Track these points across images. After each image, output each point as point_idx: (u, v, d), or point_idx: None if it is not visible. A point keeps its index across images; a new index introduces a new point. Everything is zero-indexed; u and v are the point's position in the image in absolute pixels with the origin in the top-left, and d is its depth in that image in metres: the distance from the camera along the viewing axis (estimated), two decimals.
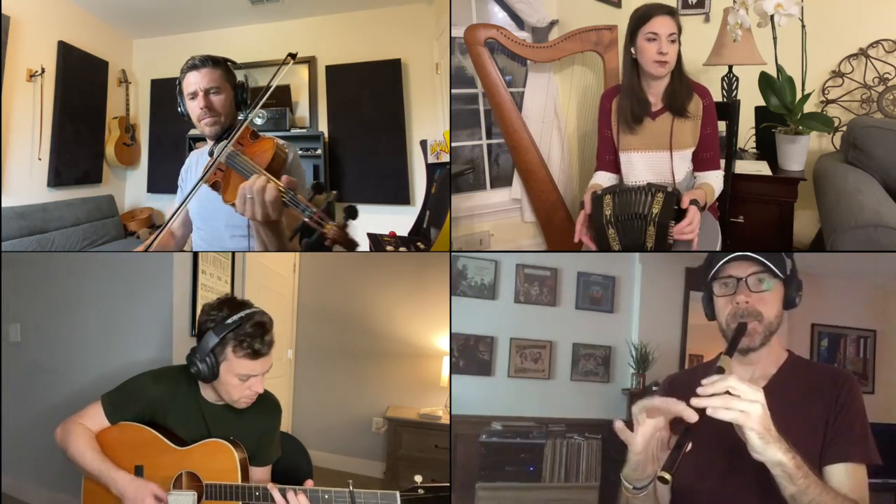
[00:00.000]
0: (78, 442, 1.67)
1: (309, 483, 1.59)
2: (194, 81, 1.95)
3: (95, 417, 1.71)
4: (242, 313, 1.62)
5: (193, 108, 1.97)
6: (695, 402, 1.08)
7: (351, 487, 1.53)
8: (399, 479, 3.46)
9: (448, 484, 1.58)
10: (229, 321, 1.60)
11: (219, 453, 1.66)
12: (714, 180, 2.36)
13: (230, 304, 1.65)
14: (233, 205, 1.70)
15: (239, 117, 2.04)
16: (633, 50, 2.24)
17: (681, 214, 2.10)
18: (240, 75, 2.06)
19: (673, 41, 2.19)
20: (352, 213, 1.62)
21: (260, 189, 1.61)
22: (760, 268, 1.31)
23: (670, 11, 2.21)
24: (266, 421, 1.80)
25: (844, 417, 1.27)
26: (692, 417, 1.07)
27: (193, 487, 1.65)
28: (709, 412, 1.07)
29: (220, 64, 1.99)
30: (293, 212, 1.62)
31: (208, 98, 1.95)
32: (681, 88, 2.28)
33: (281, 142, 1.92)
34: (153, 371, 1.77)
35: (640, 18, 2.21)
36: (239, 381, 1.64)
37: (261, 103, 1.90)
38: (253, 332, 1.60)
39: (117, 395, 1.73)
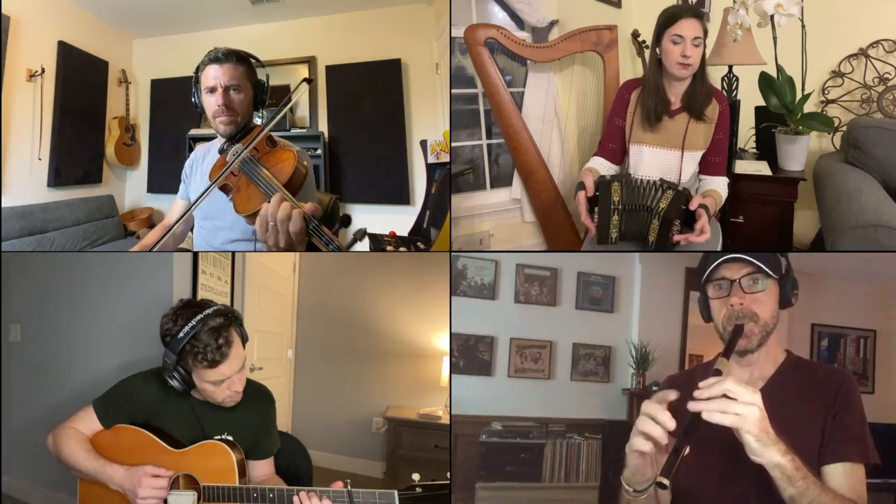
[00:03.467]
0: (69, 444, 1.67)
1: (338, 485, 1.57)
2: (214, 76, 1.86)
3: (88, 422, 1.71)
4: (194, 321, 1.58)
5: (210, 103, 1.88)
6: (691, 405, 1.08)
7: (349, 487, 1.53)
8: (399, 479, 3.45)
9: (446, 482, 1.58)
10: (181, 335, 1.57)
11: (215, 454, 1.66)
12: (721, 188, 2.37)
13: (184, 312, 1.61)
14: (245, 217, 1.66)
15: (255, 119, 1.99)
16: (658, 49, 2.26)
17: (688, 215, 2.10)
18: (260, 73, 1.97)
19: (697, 45, 2.20)
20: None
21: (285, 219, 1.51)
22: (753, 269, 1.31)
23: (698, 14, 2.22)
24: (260, 413, 1.80)
25: (843, 417, 1.27)
26: (669, 425, 1.08)
27: (191, 490, 1.65)
28: (704, 416, 1.07)
29: (243, 61, 1.90)
30: (315, 241, 1.53)
31: (228, 95, 1.86)
32: (701, 92, 2.29)
33: (298, 150, 1.83)
34: (143, 372, 1.77)
35: (668, 20, 2.23)
36: (214, 386, 1.63)
37: (276, 120, 1.80)
38: (207, 341, 1.57)
39: (109, 398, 1.73)
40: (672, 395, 1.11)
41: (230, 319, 1.64)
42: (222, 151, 1.90)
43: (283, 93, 4.71)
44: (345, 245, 1.53)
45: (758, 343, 1.31)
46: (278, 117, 1.81)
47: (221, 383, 1.63)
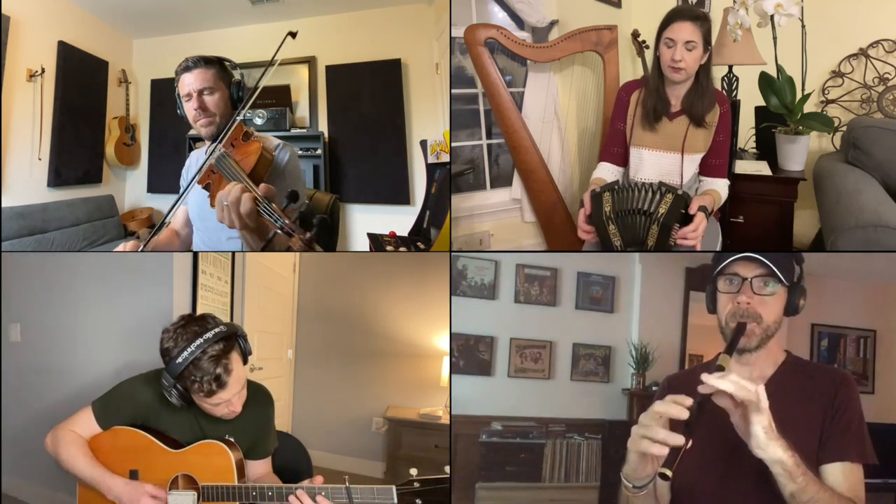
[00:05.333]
0: (69, 449, 1.67)
1: (319, 480, 1.58)
2: (188, 83, 1.96)
3: (86, 423, 1.71)
4: (193, 346, 1.55)
5: (188, 109, 1.98)
6: (704, 377, 1.10)
7: (347, 483, 1.54)
8: (399, 478, 3.42)
9: (443, 476, 1.58)
10: (179, 360, 1.55)
11: (214, 454, 1.66)
12: (722, 188, 2.35)
13: (184, 332, 1.58)
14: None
15: (237, 117, 2.03)
16: (657, 51, 2.25)
17: (687, 218, 2.10)
18: (237, 73, 2.05)
19: (691, 49, 2.16)
20: (322, 225, 1.62)
21: (234, 199, 1.61)
22: (766, 271, 1.31)
23: (695, 17, 2.17)
24: (259, 414, 1.80)
25: (841, 417, 1.27)
26: (683, 414, 1.07)
27: (190, 490, 1.65)
28: (722, 387, 1.08)
29: (212, 63, 1.99)
30: (265, 221, 1.63)
31: (201, 99, 1.95)
32: (703, 98, 2.25)
33: (276, 143, 1.92)
34: (143, 374, 1.76)
35: (663, 22, 2.22)
36: (212, 406, 1.63)
37: (252, 98, 1.94)
38: (206, 369, 1.55)
39: (108, 400, 1.73)
40: (687, 400, 1.10)
41: (231, 343, 1.61)
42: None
43: (283, 93, 4.73)
44: (303, 231, 1.59)
45: (756, 344, 1.31)
46: (256, 93, 1.93)
47: (219, 405, 1.63)
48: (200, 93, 1.95)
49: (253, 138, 1.90)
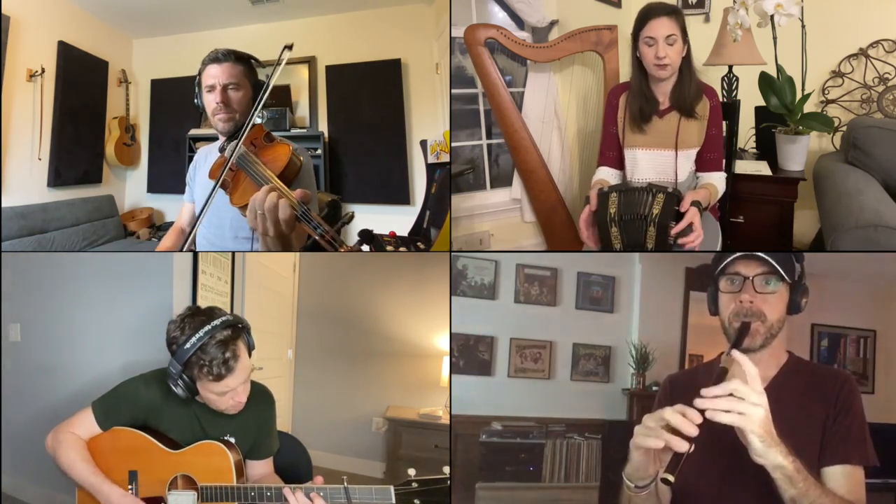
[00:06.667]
0: (68, 453, 1.66)
1: (319, 480, 1.59)
2: (214, 74, 1.92)
3: (86, 424, 1.70)
4: (201, 332, 1.56)
5: (209, 101, 1.94)
6: (698, 403, 1.09)
7: (346, 483, 1.54)
8: (399, 479, 3.42)
9: (442, 476, 1.58)
10: (188, 345, 1.56)
11: (213, 455, 1.66)
12: (718, 181, 2.35)
13: (192, 321, 1.59)
14: (240, 208, 1.69)
15: (255, 119, 2.02)
16: (637, 52, 2.24)
17: (681, 216, 2.09)
18: (261, 74, 2.02)
19: (672, 43, 2.16)
20: (367, 238, 1.62)
21: (272, 206, 1.57)
22: (768, 269, 1.30)
23: (669, 12, 2.18)
24: (261, 414, 1.80)
25: (843, 419, 1.27)
26: (691, 432, 1.07)
27: (189, 490, 1.65)
28: (708, 415, 1.07)
29: (242, 60, 1.96)
30: (305, 227, 1.60)
31: (226, 93, 1.91)
32: (690, 88, 2.25)
33: (295, 146, 1.90)
34: (143, 375, 1.76)
35: (639, 22, 2.21)
36: (218, 396, 1.63)
37: (262, 102, 1.87)
38: (213, 354, 1.56)
39: (108, 401, 1.72)
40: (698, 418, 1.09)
41: (238, 331, 1.63)
42: (222, 150, 1.94)
43: (283, 93, 4.74)
44: (343, 240, 1.57)
45: (761, 344, 1.31)
46: (268, 90, 1.86)
47: (225, 394, 1.63)
48: (225, 87, 1.91)
49: (278, 141, 1.88)
